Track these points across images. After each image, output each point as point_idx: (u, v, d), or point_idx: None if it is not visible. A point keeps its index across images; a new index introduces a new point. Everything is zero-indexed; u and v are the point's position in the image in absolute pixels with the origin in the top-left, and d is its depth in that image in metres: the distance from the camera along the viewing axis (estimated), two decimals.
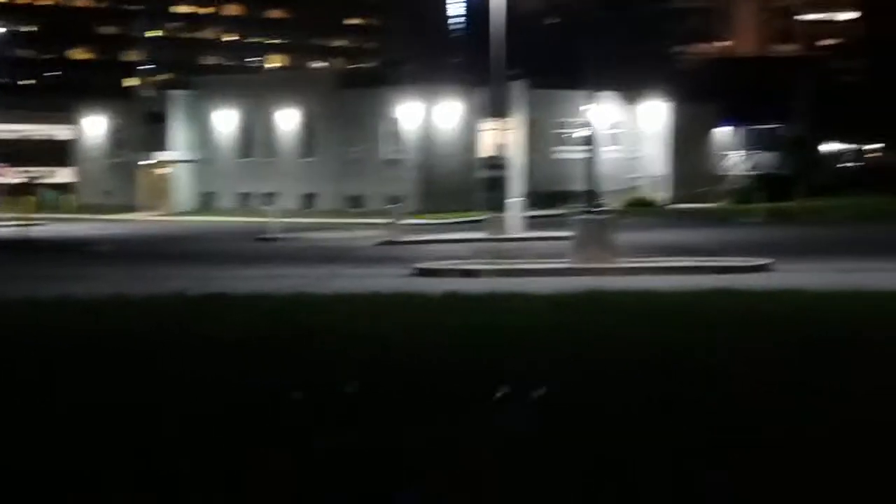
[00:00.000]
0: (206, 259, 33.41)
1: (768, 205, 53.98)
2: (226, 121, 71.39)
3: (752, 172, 73.71)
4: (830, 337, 13.89)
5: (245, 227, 50.96)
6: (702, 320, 15.43)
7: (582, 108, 48.36)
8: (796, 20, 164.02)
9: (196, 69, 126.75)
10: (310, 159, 67.96)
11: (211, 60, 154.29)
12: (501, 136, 45.34)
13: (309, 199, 67.18)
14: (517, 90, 65.82)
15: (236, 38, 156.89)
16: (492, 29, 43.36)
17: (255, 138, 70.48)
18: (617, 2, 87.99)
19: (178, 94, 74.12)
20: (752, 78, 79.14)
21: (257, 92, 71.13)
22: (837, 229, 43.21)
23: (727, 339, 13.74)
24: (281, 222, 45.38)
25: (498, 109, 44.79)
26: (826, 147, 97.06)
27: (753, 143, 76.30)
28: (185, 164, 72.41)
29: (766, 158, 76.23)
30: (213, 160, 71.95)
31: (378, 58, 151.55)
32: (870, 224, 45.55)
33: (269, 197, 65.53)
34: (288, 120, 68.70)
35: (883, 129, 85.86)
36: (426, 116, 63.64)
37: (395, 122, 64.56)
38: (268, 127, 69.73)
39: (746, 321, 15.26)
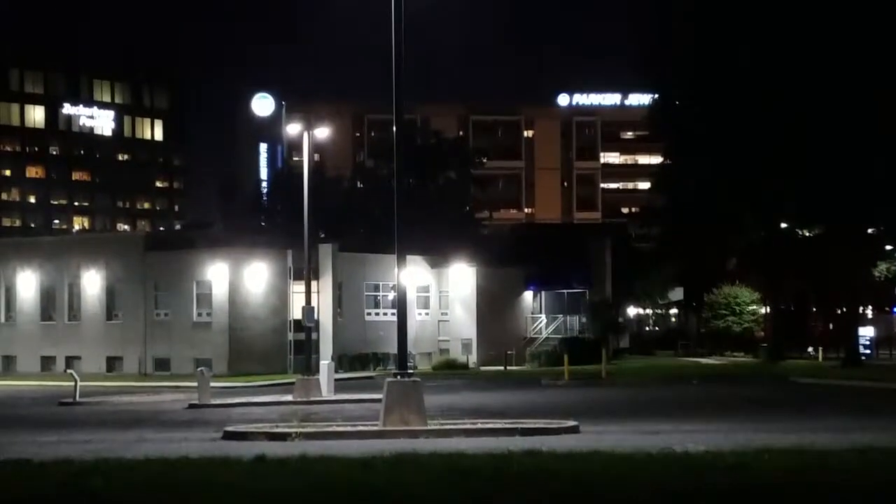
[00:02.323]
0: (4, 425, 32.25)
1: (574, 367, 55.11)
2: (27, 283, 69.87)
3: (557, 336, 75.27)
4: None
5: (47, 391, 49.49)
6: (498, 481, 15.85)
7: (390, 271, 49.04)
8: (599, 188, 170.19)
9: None
10: (115, 322, 66.81)
11: (15, 222, 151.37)
12: (311, 299, 45.49)
13: (114, 362, 65.87)
14: (326, 253, 66.42)
15: (40, 199, 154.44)
16: (304, 193, 43.84)
17: (57, 301, 69.09)
18: (423, 168, 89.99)
19: None
20: (556, 243, 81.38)
21: (60, 254, 69.95)
22: (638, 391, 44.42)
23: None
24: (85, 386, 44.31)
25: (307, 272, 45.00)
26: (629, 310, 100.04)
27: (558, 306, 78.07)
28: None
29: (571, 322, 78.03)
30: (14, 323, 70.14)
31: (185, 220, 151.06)
32: (668, 386, 47.07)
33: (73, 360, 64.05)
34: (92, 282, 67.58)
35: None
36: (235, 278, 63.43)
37: (202, 284, 64.12)
38: (71, 289, 68.52)
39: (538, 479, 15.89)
